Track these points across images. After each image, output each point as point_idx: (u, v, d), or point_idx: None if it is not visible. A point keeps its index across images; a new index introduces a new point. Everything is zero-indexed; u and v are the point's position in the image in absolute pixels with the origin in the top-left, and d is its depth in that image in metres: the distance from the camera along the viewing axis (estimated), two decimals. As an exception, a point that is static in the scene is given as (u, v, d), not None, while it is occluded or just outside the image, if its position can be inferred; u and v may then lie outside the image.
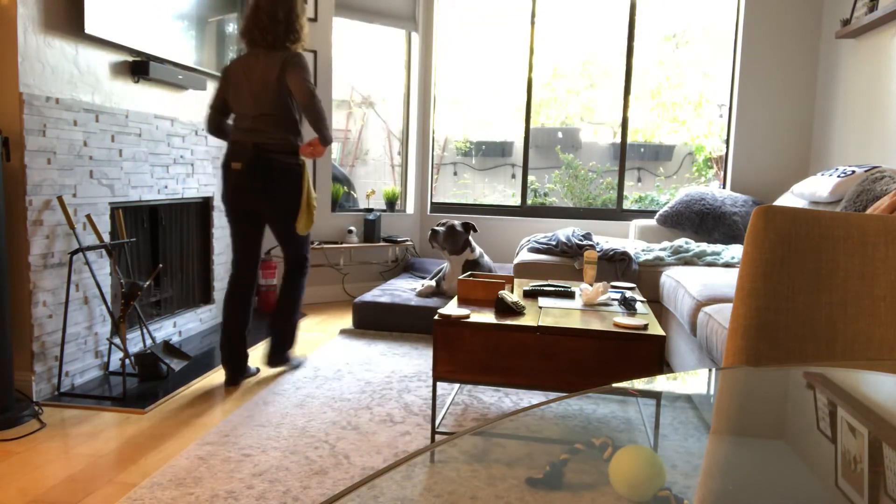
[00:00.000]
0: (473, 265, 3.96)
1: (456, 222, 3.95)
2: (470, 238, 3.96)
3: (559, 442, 0.65)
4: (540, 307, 2.39)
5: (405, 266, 5.03)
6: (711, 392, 0.85)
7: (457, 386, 2.83)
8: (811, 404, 0.78)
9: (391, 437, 2.33)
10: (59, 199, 2.57)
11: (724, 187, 4.90)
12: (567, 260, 3.55)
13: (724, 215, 4.14)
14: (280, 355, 3.03)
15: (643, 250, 3.62)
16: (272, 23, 2.78)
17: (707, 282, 2.69)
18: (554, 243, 3.72)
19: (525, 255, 3.65)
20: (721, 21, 4.94)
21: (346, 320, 4.10)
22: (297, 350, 3.41)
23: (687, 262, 3.48)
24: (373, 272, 4.92)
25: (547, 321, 2.14)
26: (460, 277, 2.54)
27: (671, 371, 3.07)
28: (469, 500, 0.62)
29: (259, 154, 2.75)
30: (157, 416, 2.48)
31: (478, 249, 4.05)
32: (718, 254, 3.54)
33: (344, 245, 4.57)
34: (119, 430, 2.35)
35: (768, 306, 1.04)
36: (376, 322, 3.81)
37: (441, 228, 3.92)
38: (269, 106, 2.78)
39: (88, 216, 2.73)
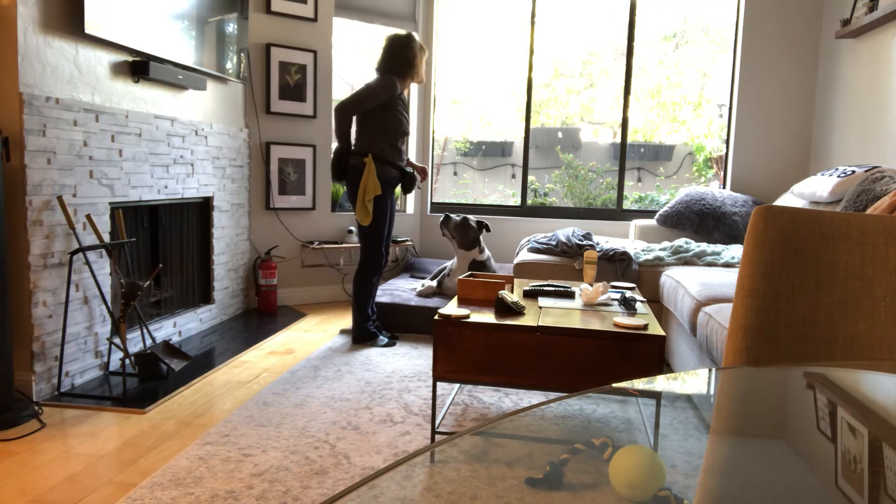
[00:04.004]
0: (480, 267, 3.96)
1: (472, 217, 3.96)
2: (481, 238, 3.97)
3: (559, 442, 0.65)
4: (540, 307, 2.38)
5: (405, 266, 5.03)
6: (711, 392, 0.85)
7: (457, 386, 2.83)
8: (811, 404, 0.78)
9: (391, 437, 2.33)
10: (59, 199, 2.57)
11: (724, 187, 4.90)
12: (567, 260, 3.55)
13: (724, 215, 4.14)
14: (352, 335, 3.59)
15: (643, 250, 3.62)
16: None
17: (707, 282, 2.69)
18: (554, 243, 3.72)
19: (525, 255, 3.65)
20: (721, 21, 4.94)
21: (346, 320, 4.10)
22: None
23: (687, 262, 3.48)
24: (373, 272, 4.92)
25: (547, 321, 2.14)
26: (460, 277, 2.54)
27: (671, 371, 3.07)
28: (469, 500, 0.62)
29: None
30: (157, 416, 2.48)
31: (487, 252, 4.05)
32: (718, 254, 3.54)
33: (344, 245, 4.57)
34: (119, 430, 2.35)
35: (768, 306, 1.04)
36: (376, 322, 3.81)
37: (455, 217, 3.93)
38: None
39: (88, 216, 2.73)
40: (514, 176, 5.56)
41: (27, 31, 2.43)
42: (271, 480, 1.97)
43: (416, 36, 3.53)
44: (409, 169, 3.53)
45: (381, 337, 3.57)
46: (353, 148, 3.42)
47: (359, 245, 3.55)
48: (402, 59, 3.43)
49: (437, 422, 2.38)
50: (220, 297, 3.94)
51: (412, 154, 5.19)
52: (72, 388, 2.70)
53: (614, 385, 0.78)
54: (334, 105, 3.38)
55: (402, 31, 3.50)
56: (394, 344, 3.54)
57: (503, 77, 5.34)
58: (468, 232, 3.91)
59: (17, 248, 2.47)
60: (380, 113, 3.38)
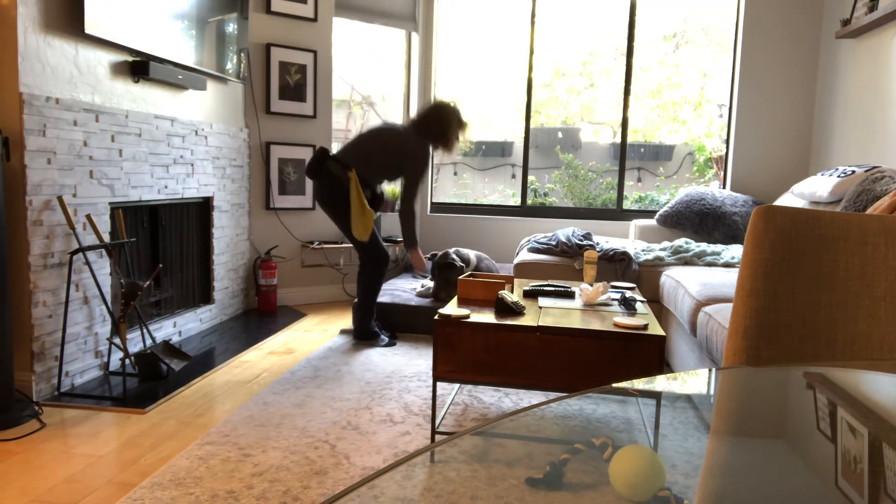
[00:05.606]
0: (475, 269, 3.97)
1: (440, 262, 3.87)
2: (457, 262, 3.87)
3: (559, 442, 0.65)
4: (540, 307, 2.38)
5: (405, 266, 5.03)
6: (711, 392, 0.85)
7: (457, 386, 2.83)
8: (811, 404, 0.78)
9: (391, 437, 2.33)
10: (59, 199, 2.57)
11: (724, 187, 4.90)
12: (567, 260, 3.55)
13: (724, 215, 4.14)
14: (355, 333, 3.58)
15: (643, 250, 3.62)
16: None
17: (707, 282, 2.69)
18: (554, 243, 3.72)
19: (525, 255, 3.65)
20: (721, 21, 4.94)
21: (346, 320, 4.10)
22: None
23: (687, 262, 3.48)
24: (373, 272, 4.92)
25: (547, 321, 2.14)
26: (460, 277, 2.54)
27: (671, 371, 3.07)
28: (469, 500, 0.62)
29: None
30: (157, 416, 2.48)
31: (472, 256, 4.00)
32: (718, 254, 3.54)
33: (344, 245, 4.57)
34: (119, 430, 2.35)
35: (768, 306, 1.04)
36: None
37: (438, 290, 3.87)
38: None
39: (88, 216, 2.73)
40: (514, 176, 5.55)
41: (27, 31, 2.43)
42: (271, 480, 1.97)
43: (461, 111, 3.58)
44: (379, 190, 3.58)
45: (383, 337, 3.57)
46: (335, 153, 3.45)
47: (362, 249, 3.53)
48: (441, 130, 3.47)
49: (437, 422, 2.38)
50: (220, 297, 3.94)
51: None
52: (72, 388, 2.70)
53: (614, 385, 0.78)
54: (401, 205, 3.44)
55: (451, 102, 3.56)
56: (394, 344, 3.54)
57: (503, 77, 5.34)
58: (454, 276, 3.84)
59: (17, 248, 2.47)
60: (385, 159, 3.43)
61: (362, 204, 3.35)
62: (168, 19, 3.11)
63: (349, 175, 3.34)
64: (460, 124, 3.55)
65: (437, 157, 3.63)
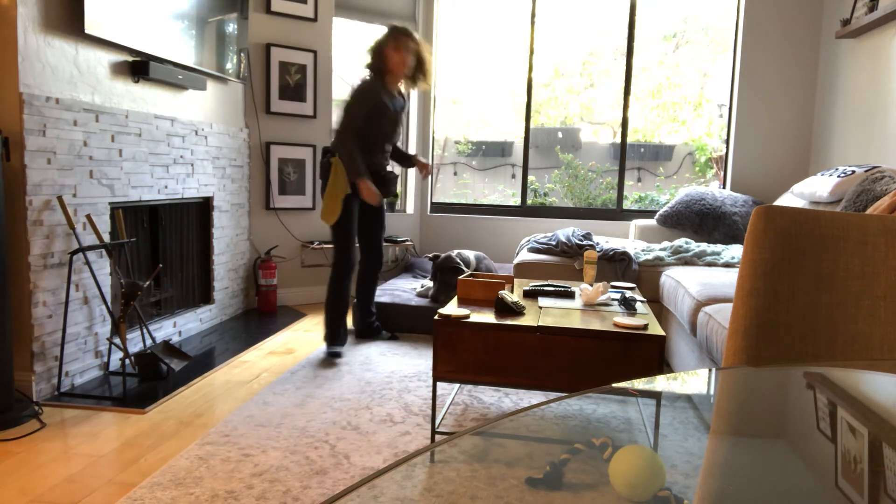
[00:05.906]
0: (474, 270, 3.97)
1: (443, 264, 3.85)
2: (462, 266, 3.87)
3: (559, 442, 0.65)
4: (540, 307, 2.38)
5: (405, 266, 5.03)
6: (711, 392, 0.85)
7: (457, 386, 2.83)
8: (811, 404, 0.78)
9: (391, 437, 2.33)
10: (59, 199, 2.57)
11: (724, 187, 4.90)
12: (567, 260, 3.55)
13: (724, 215, 4.14)
14: (326, 336, 3.36)
15: (643, 250, 3.62)
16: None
17: (707, 282, 2.69)
18: (554, 243, 3.72)
19: (525, 255, 3.65)
20: (721, 21, 4.94)
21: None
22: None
23: (687, 262, 3.48)
24: (373, 272, 4.91)
25: (547, 321, 2.14)
26: (461, 278, 2.54)
27: (671, 371, 3.07)
28: (469, 500, 0.62)
29: None
30: (157, 416, 2.48)
31: (471, 257, 4.00)
32: (718, 254, 3.54)
33: (344, 245, 4.57)
34: (119, 430, 2.35)
35: (768, 306, 1.04)
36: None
37: (438, 293, 3.85)
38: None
39: (88, 216, 2.73)
40: (514, 176, 5.55)
41: (27, 31, 2.43)
42: (271, 480, 1.97)
43: (400, 29, 3.32)
44: (388, 170, 3.48)
45: (335, 348, 3.34)
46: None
47: (335, 244, 3.36)
48: (374, 55, 3.31)
49: (437, 422, 2.38)
50: (220, 297, 3.94)
51: (412, 154, 5.19)
52: (72, 388, 2.70)
53: (614, 385, 0.78)
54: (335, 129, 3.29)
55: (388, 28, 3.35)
56: (339, 356, 3.30)
57: (503, 77, 5.34)
58: (453, 278, 3.80)
59: (17, 248, 2.47)
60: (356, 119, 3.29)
61: (335, 187, 3.24)
62: (168, 19, 3.11)
63: (332, 161, 3.27)
64: (395, 35, 3.27)
65: (410, 86, 3.46)
